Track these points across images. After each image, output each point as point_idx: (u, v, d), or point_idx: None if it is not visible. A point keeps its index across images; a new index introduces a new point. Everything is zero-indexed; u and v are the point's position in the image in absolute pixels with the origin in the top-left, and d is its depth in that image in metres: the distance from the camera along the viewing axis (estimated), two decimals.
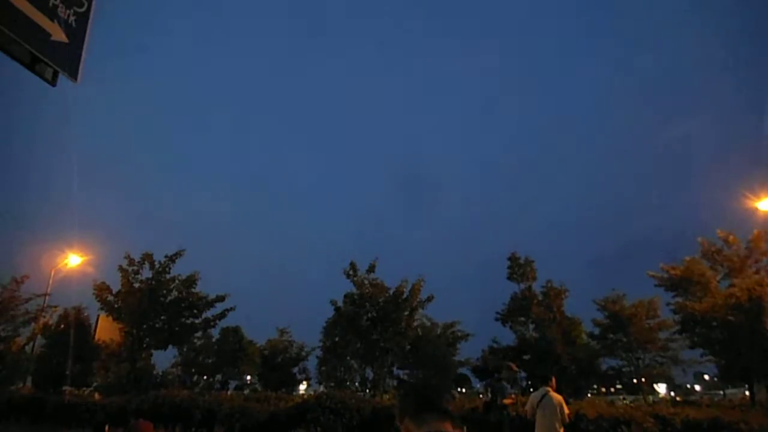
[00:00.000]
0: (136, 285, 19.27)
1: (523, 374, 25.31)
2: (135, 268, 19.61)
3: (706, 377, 52.14)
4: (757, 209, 18.26)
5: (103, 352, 22.58)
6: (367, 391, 23.82)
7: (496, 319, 25.22)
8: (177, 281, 19.76)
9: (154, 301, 19.08)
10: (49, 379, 23.15)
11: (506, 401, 9.37)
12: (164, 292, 19.48)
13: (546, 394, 7.48)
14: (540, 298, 24.17)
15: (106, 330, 22.76)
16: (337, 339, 26.91)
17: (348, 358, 27.47)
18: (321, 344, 29.91)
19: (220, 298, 20.06)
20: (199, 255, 28.24)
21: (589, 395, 29.57)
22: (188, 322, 20.04)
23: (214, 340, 32.53)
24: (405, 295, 19.56)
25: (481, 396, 24.27)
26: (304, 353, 32.20)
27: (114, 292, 19.50)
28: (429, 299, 20.18)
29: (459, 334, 30.26)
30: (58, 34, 2.53)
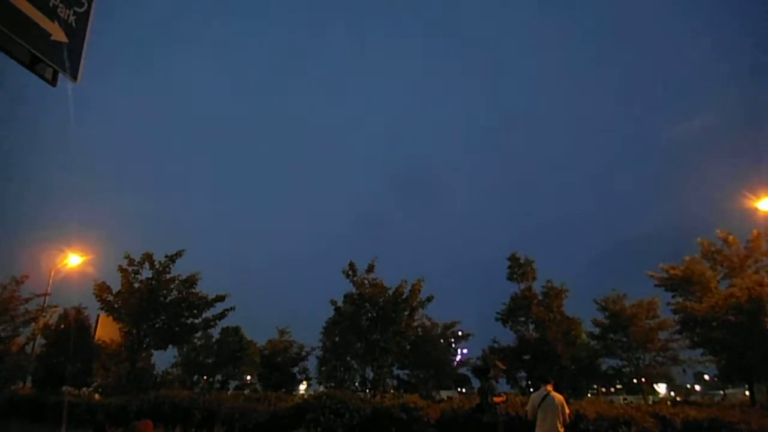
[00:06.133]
0: (136, 285, 19.27)
1: (523, 374, 25.33)
2: (135, 268, 19.62)
3: (706, 377, 52.15)
4: (757, 209, 18.27)
5: (103, 352, 22.56)
6: (367, 391, 23.77)
7: (496, 319, 25.21)
8: (177, 281, 19.76)
9: (154, 301, 19.08)
10: (49, 379, 23.09)
11: (497, 399, 9.34)
12: (164, 292, 19.48)
13: (548, 394, 7.49)
14: (540, 298, 24.15)
15: (106, 330, 22.75)
16: (337, 339, 26.93)
17: (348, 358, 27.46)
18: (321, 344, 29.96)
19: (220, 298, 20.05)
20: (199, 255, 28.26)
21: (589, 395, 29.56)
22: (188, 322, 20.04)
23: (214, 340, 32.53)
24: (405, 295, 19.56)
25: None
26: (304, 353, 32.23)
27: (114, 292, 19.49)
28: (429, 299, 20.18)
29: (459, 334, 30.32)
30: (58, 34, 2.53)
